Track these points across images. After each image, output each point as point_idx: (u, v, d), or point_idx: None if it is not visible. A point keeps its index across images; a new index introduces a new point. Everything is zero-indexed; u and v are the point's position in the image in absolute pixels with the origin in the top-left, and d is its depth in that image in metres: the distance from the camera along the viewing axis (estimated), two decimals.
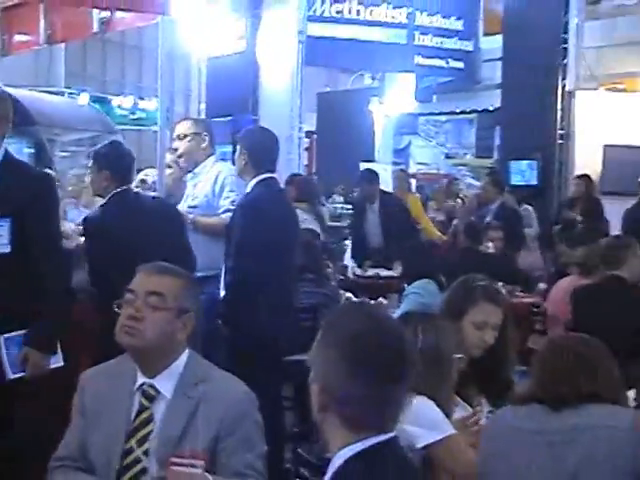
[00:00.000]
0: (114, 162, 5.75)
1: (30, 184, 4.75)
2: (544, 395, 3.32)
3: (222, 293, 6.08)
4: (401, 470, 2.42)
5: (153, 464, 3.24)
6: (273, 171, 6.35)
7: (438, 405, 3.66)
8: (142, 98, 19.73)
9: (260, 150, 6.29)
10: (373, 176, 11.35)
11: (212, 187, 6.78)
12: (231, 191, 6.73)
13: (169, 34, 7.21)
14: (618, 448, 3.11)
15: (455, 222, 12.54)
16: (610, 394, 3.28)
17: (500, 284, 8.14)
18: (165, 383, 3.36)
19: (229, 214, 6.48)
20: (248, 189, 6.16)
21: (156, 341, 3.33)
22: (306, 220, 8.86)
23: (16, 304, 4.52)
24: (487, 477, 3.31)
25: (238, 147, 6.29)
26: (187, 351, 3.44)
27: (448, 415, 3.73)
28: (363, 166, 14.58)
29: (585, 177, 12.18)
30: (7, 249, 4.58)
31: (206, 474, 3.07)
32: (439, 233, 12.50)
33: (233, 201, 6.64)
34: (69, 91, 18.67)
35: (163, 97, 7.46)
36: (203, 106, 12.55)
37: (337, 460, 2.37)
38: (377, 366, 2.36)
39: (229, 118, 11.43)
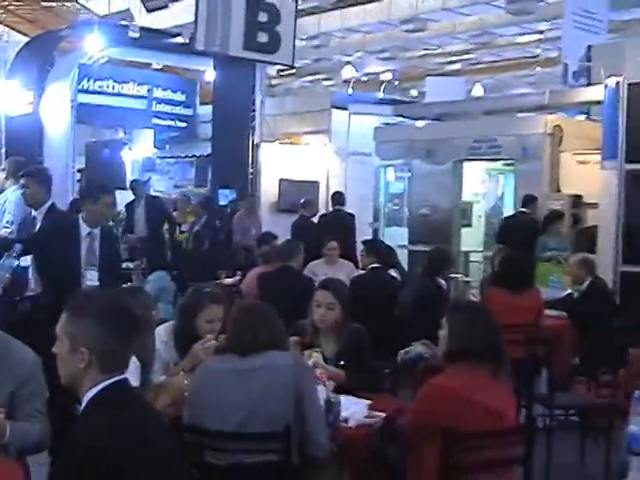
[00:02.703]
0: None
1: None
2: (233, 345, 3.35)
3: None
4: (135, 397, 2.46)
5: None
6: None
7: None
8: None
9: (49, 183, 6.06)
10: (140, 184, 11.88)
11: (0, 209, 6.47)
12: (9, 213, 6.39)
13: None
14: (285, 379, 3.20)
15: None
16: (279, 342, 3.36)
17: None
18: None
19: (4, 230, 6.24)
20: (43, 210, 5.86)
21: None
22: None
23: None
24: (197, 407, 3.29)
25: (31, 182, 5.89)
26: None
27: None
28: (118, 192, 14.30)
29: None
30: None
31: (5, 420, 2.96)
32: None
33: (9, 221, 6.33)
34: None
35: None
36: (3, 150, 11.90)
37: (87, 398, 2.33)
38: (124, 325, 2.37)
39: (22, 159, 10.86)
